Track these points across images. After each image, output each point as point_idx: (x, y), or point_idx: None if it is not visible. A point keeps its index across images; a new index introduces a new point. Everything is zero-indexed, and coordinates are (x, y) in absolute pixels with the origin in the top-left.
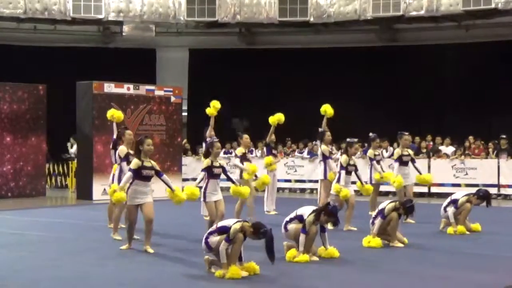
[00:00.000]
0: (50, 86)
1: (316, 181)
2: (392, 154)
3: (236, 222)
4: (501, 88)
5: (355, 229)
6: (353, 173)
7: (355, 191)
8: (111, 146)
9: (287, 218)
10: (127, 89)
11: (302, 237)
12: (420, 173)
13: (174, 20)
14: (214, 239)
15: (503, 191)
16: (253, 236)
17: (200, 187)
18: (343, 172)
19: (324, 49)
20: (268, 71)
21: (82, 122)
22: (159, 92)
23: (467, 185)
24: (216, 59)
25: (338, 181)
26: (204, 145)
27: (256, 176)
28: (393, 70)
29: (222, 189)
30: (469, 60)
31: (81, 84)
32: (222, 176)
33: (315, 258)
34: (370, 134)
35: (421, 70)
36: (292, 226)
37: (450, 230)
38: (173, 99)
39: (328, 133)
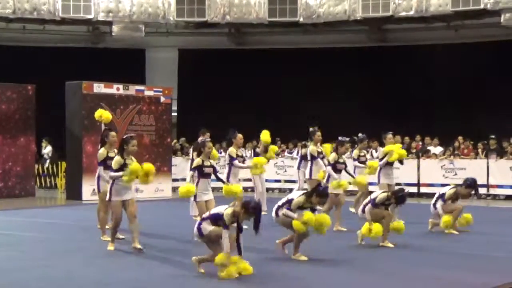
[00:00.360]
0: (39, 86)
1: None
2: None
3: (226, 208)
4: (490, 88)
5: (345, 229)
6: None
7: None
8: (99, 147)
9: (279, 203)
10: (116, 89)
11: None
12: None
13: (164, 20)
14: (207, 227)
15: (492, 191)
16: (246, 216)
17: None
18: (329, 168)
19: (314, 50)
20: (258, 71)
21: (71, 122)
22: (148, 92)
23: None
24: (206, 59)
25: (328, 179)
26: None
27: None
28: (382, 71)
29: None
30: (458, 60)
31: (71, 84)
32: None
33: (304, 258)
34: (359, 134)
35: (411, 70)
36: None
37: (444, 220)
38: (162, 99)
39: (319, 133)
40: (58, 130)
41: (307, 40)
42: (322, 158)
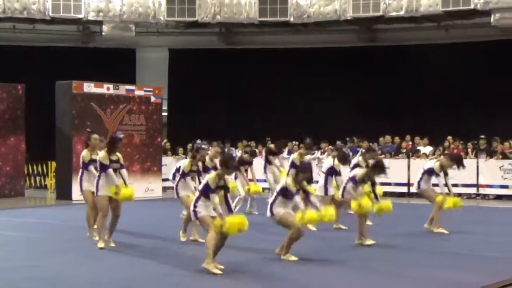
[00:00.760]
0: (29, 86)
1: None
2: None
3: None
4: (480, 88)
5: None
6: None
7: None
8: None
9: (270, 200)
10: (106, 89)
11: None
12: None
13: (154, 20)
14: (200, 210)
15: (482, 191)
16: (228, 170)
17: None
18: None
19: (304, 49)
20: (248, 71)
21: (61, 122)
22: (139, 92)
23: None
24: (196, 59)
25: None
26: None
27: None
28: (373, 70)
29: None
30: (448, 60)
31: (61, 84)
32: None
33: (294, 258)
34: (337, 142)
35: (401, 70)
36: (278, 211)
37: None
38: (153, 99)
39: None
40: (48, 130)
41: (297, 40)
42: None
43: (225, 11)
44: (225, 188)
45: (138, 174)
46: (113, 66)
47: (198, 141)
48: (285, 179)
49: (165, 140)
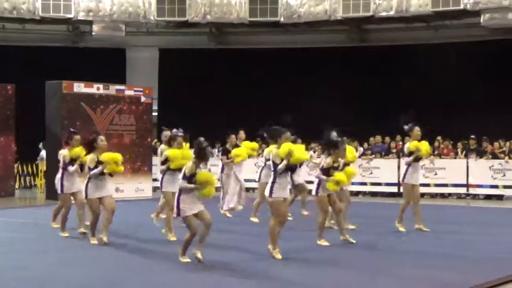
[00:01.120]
0: (19, 86)
1: None
2: (363, 154)
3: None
4: (470, 88)
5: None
6: None
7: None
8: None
9: (270, 181)
10: (97, 89)
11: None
12: None
13: (144, 19)
14: (184, 206)
15: (472, 190)
16: (202, 160)
17: None
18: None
19: (295, 49)
20: (238, 71)
21: (51, 122)
22: (129, 92)
23: (436, 185)
24: (187, 59)
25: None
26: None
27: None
28: (363, 70)
29: None
30: (438, 60)
31: (51, 84)
32: None
33: (279, 256)
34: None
35: (391, 70)
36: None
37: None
38: (143, 99)
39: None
40: (38, 130)
41: (287, 40)
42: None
43: (215, 11)
44: None
45: (128, 174)
46: (103, 66)
47: (175, 130)
48: (271, 154)
49: (155, 140)
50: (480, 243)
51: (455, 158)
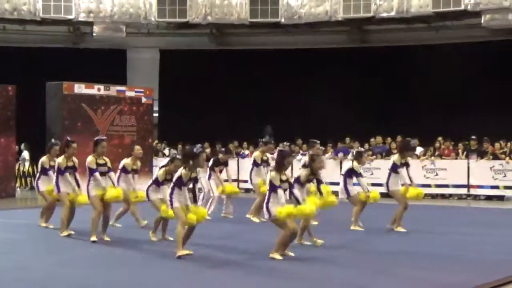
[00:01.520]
0: (19, 87)
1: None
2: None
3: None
4: (471, 89)
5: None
6: None
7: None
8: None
9: (265, 200)
10: (97, 90)
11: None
12: None
13: (145, 20)
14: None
15: (473, 191)
16: (193, 166)
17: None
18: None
19: (295, 50)
20: (239, 72)
21: (52, 123)
22: (130, 93)
23: (437, 186)
24: (187, 60)
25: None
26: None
27: None
28: (364, 71)
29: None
30: (439, 61)
31: (51, 85)
32: None
33: (279, 257)
34: (266, 137)
35: (392, 71)
36: (273, 210)
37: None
38: (144, 100)
39: (271, 146)
40: (39, 131)
41: (288, 41)
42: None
43: (216, 12)
44: (194, 180)
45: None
46: (104, 67)
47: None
48: (269, 174)
49: (156, 141)
50: (481, 244)
51: (456, 158)
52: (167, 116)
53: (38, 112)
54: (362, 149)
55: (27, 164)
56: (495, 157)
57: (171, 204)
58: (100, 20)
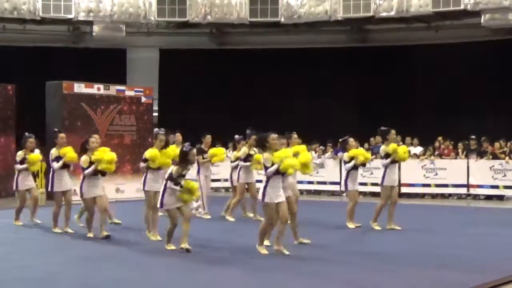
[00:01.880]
0: (19, 86)
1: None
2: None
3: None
4: (471, 88)
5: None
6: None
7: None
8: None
9: (262, 185)
10: (97, 89)
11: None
12: None
13: (145, 20)
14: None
15: (473, 191)
16: (185, 164)
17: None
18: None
19: (295, 50)
20: (239, 71)
21: (52, 122)
22: (129, 93)
23: (437, 185)
24: (187, 59)
25: None
26: None
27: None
28: (363, 71)
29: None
30: (438, 61)
31: (51, 84)
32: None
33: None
34: (247, 130)
35: (391, 70)
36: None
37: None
38: (143, 99)
39: (254, 137)
40: (39, 130)
41: (288, 41)
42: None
43: (215, 12)
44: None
45: (129, 175)
46: (103, 67)
47: (156, 129)
48: (263, 158)
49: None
50: (480, 244)
51: (455, 158)
52: (167, 115)
53: (38, 112)
54: (346, 137)
55: None
56: (495, 156)
57: (162, 205)
58: (99, 20)
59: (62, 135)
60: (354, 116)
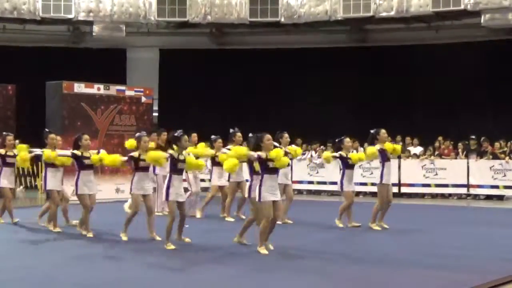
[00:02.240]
0: (19, 86)
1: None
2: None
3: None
4: (471, 88)
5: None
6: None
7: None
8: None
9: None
10: (97, 89)
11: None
12: None
13: (145, 20)
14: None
15: (473, 191)
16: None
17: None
18: None
19: (295, 50)
20: (239, 71)
21: (51, 122)
22: (129, 93)
23: (437, 185)
24: (187, 59)
25: None
26: None
27: None
28: (363, 71)
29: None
30: (438, 61)
31: (51, 84)
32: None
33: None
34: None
35: (391, 70)
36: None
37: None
38: (143, 99)
39: (239, 134)
40: (38, 130)
41: (288, 41)
42: None
43: (215, 12)
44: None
45: (129, 175)
46: (103, 67)
47: (138, 133)
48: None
49: None
50: (480, 243)
51: (455, 158)
52: (166, 115)
53: (38, 112)
54: (342, 137)
55: None
56: (495, 156)
57: (167, 196)
58: (99, 20)
59: (52, 135)
60: (353, 116)
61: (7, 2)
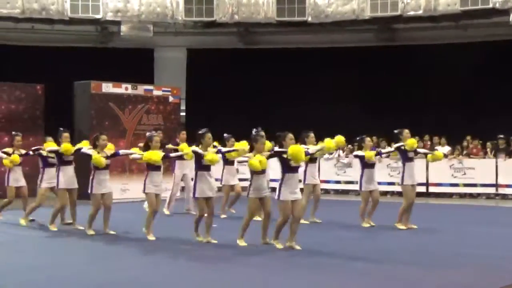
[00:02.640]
0: (47, 86)
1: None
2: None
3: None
4: (499, 87)
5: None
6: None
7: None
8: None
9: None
10: (125, 89)
11: None
12: None
13: (172, 20)
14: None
15: (501, 190)
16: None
17: None
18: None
19: (322, 49)
20: (266, 70)
21: (79, 122)
22: (157, 92)
23: (465, 185)
24: (214, 59)
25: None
26: None
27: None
28: (391, 70)
29: None
30: (467, 60)
31: (79, 84)
32: None
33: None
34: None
35: (420, 70)
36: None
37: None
38: (171, 99)
39: (233, 139)
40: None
41: (315, 40)
42: None
43: (243, 11)
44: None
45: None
46: (131, 66)
47: (148, 133)
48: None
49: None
50: (508, 244)
51: (484, 157)
52: (194, 115)
53: (66, 112)
54: (363, 136)
55: None
56: None
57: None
58: (127, 20)
59: (66, 134)
60: (381, 116)
61: (35, 3)
